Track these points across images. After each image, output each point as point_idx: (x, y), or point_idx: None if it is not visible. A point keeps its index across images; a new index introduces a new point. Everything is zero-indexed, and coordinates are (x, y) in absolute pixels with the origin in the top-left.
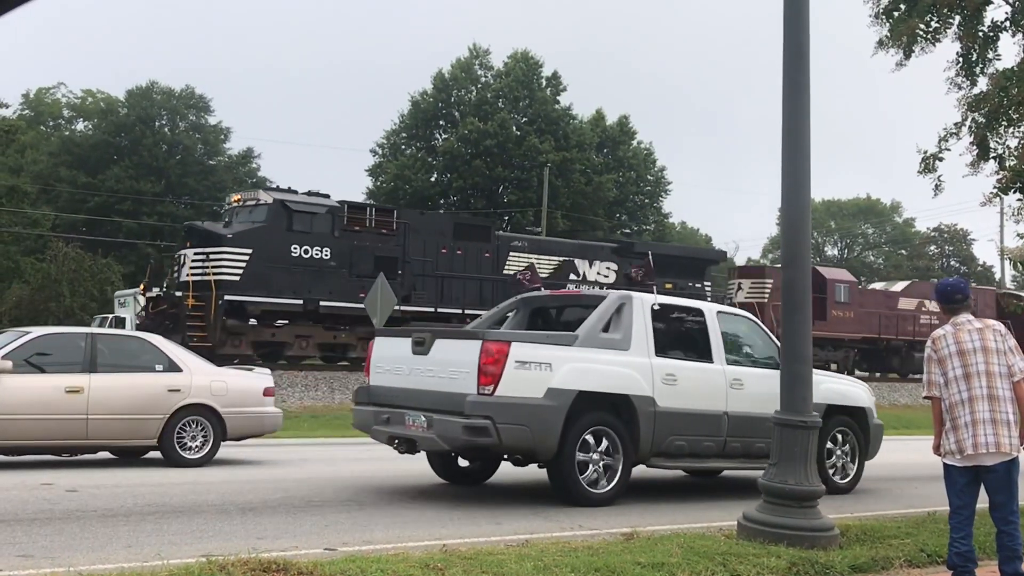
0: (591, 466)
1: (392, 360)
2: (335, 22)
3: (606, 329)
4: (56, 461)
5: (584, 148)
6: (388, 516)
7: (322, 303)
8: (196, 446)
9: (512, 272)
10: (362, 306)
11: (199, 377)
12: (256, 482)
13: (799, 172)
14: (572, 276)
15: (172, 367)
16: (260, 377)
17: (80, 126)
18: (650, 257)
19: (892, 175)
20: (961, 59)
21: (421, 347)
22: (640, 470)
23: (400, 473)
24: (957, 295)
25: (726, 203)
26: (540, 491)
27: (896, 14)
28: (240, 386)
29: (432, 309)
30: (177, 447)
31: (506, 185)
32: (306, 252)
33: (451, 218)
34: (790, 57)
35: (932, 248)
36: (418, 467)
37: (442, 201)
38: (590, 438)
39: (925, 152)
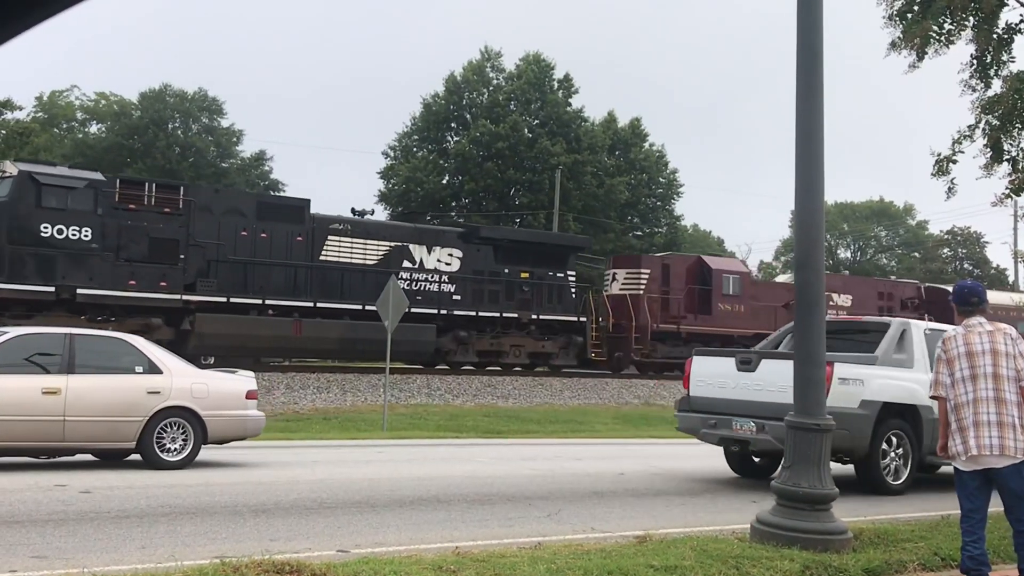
0: (891, 463)
1: (715, 376)
2: (347, 25)
3: (895, 351)
4: (71, 463)
5: (596, 150)
6: (401, 518)
7: (80, 291)
8: (176, 448)
9: (331, 258)
10: (133, 294)
11: (180, 379)
12: (268, 484)
13: (812, 174)
14: (406, 263)
15: (152, 369)
16: (243, 380)
17: (93, 128)
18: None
19: (905, 177)
20: (975, 61)
21: (748, 366)
22: (643, 474)
23: (412, 476)
24: (973, 298)
25: (739, 205)
26: (550, 495)
27: (910, 16)
28: (222, 389)
29: (224, 299)
30: (156, 450)
31: (518, 188)
32: (60, 232)
33: (255, 196)
34: (804, 59)
35: (945, 251)
36: (428, 470)
37: (454, 204)
38: (887, 442)
39: (938, 154)
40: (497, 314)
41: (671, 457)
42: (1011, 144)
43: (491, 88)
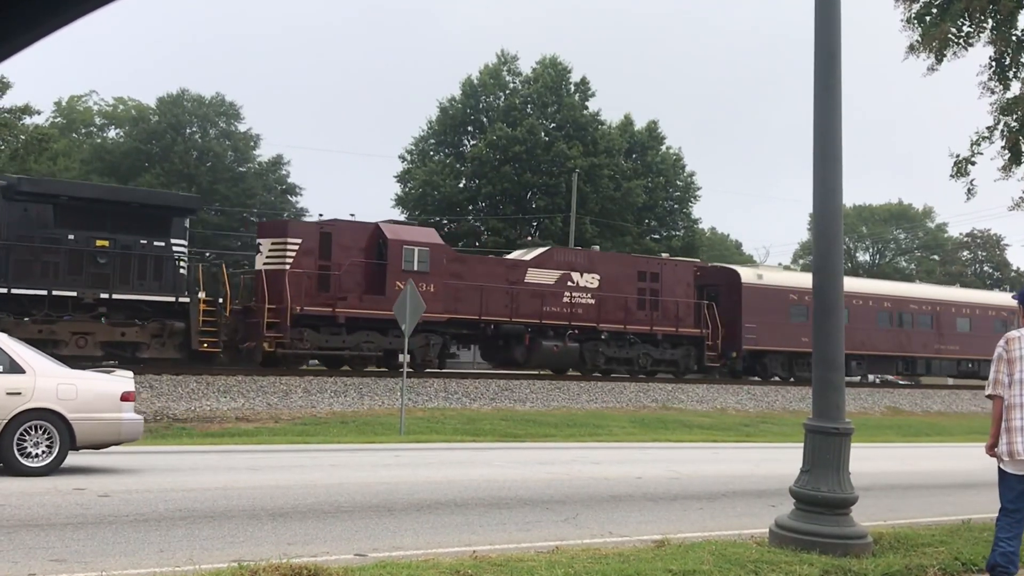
0: None
1: None
2: (364, 29)
3: None
4: (88, 466)
5: (613, 154)
6: (418, 522)
7: None
8: (39, 454)
9: None
10: None
11: (44, 380)
12: (285, 487)
13: (831, 176)
14: None
15: (14, 368)
16: (118, 380)
17: (112, 133)
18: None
19: (924, 180)
20: (994, 63)
21: None
22: (661, 478)
23: (430, 479)
24: None
25: (758, 208)
26: (567, 499)
27: (928, 19)
28: (92, 390)
29: None
30: (17, 455)
31: (534, 191)
32: None
33: None
34: (821, 60)
35: (965, 253)
36: (446, 474)
37: (470, 207)
38: None
39: (957, 156)
40: (44, 292)
41: (689, 461)
42: None
43: (508, 91)
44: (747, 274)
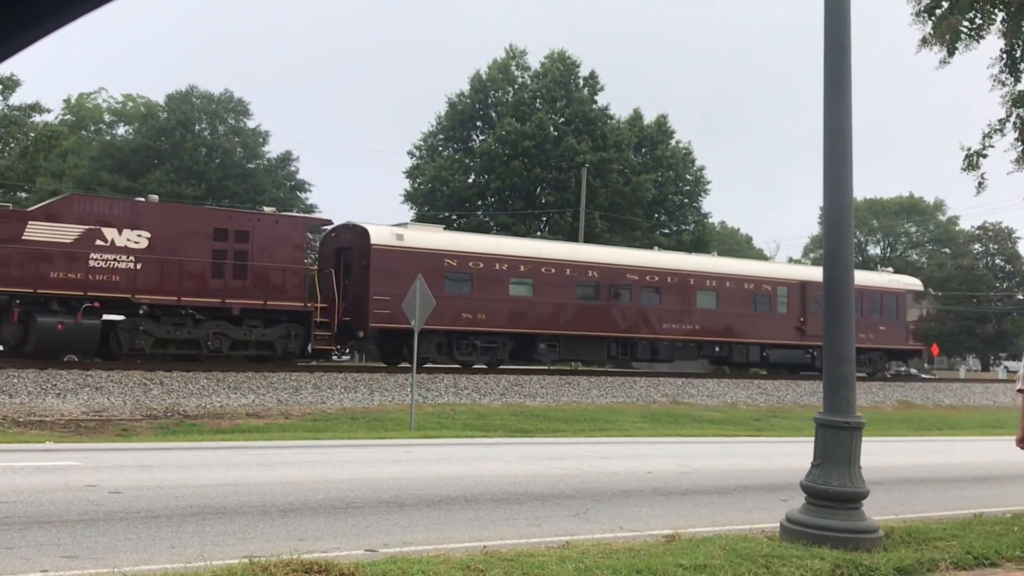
0: None
1: None
2: (374, 26)
3: None
4: (98, 463)
5: (622, 148)
6: (429, 518)
7: None
8: None
9: None
10: None
11: None
12: (296, 483)
13: (841, 169)
14: None
15: None
16: None
17: (121, 130)
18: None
19: (935, 173)
20: (1005, 56)
21: None
22: (672, 473)
23: (440, 475)
24: None
25: (768, 202)
26: (578, 494)
27: (938, 12)
28: None
29: None
30: None
31: (544, 186)
32: None
33: None
34: (832, 54)
35: (976, 246)
36: (456, 469)
37: (480, 202)
38: None
39: (968, 149)
40: None
41: (699, 456)
42: None
43: (516, 86)
44: (380, 234)
